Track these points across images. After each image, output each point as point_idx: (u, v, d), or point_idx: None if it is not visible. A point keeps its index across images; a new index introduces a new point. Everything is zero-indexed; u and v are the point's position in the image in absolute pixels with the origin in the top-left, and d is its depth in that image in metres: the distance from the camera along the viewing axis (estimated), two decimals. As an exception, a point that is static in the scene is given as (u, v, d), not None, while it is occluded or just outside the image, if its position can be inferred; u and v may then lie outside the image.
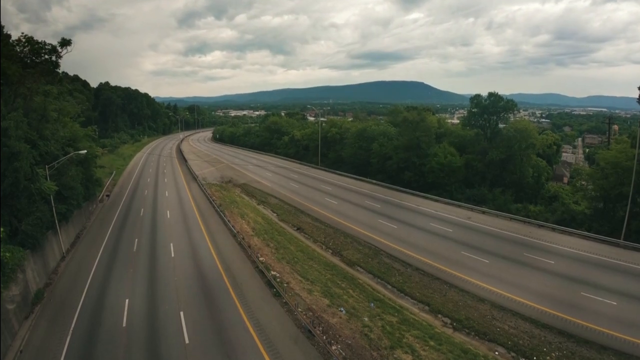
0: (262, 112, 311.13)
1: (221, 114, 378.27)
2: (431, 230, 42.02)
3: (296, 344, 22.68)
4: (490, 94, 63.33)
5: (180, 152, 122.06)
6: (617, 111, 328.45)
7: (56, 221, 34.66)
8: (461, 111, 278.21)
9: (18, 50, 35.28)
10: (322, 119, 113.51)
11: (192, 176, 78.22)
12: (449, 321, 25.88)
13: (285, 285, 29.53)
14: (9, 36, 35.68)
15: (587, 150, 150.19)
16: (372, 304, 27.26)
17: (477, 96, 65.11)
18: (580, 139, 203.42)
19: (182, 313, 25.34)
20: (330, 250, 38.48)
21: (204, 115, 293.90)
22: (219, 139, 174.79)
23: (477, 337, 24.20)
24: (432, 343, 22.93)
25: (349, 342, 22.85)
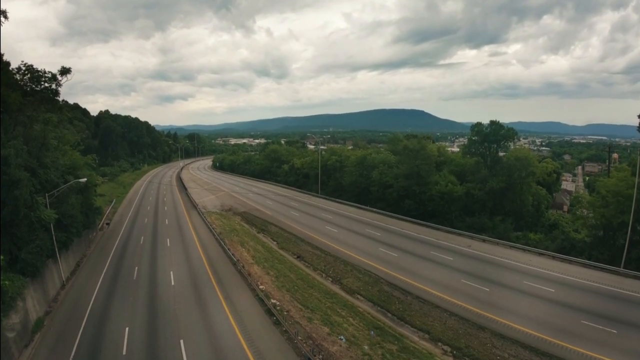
0: (262, 140, 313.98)
1: (221, 142, 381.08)
2: (431, 259, 42.00)
3: (296, 373, 22.52)
4: (492, 122, 64.16)
5: (180, 180, 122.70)
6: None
7: (56, 249, 34.73)
8: (461, 139, 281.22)
9: (18, 78, 35.58)
10: (322, 147, 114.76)
11: (192, 204, 78.51)
12: (449, 349, 25.72)
13: (285, 313, 29.43)
14: (9, 64, 35.93)
15: (587, 178, 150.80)
16: (372, 332, 27.13)
17: (479, 124, 65.84)
18: (580, 167, 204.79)
19: (182, 341, 25.22)
20: (330, 279, 38.42)
21: (204, 144, 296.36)
22: (219, 167, 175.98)
23: (478, 366, 24.02)
24: (432, 372, 22.78)
25: (349, 371, 22.69)
